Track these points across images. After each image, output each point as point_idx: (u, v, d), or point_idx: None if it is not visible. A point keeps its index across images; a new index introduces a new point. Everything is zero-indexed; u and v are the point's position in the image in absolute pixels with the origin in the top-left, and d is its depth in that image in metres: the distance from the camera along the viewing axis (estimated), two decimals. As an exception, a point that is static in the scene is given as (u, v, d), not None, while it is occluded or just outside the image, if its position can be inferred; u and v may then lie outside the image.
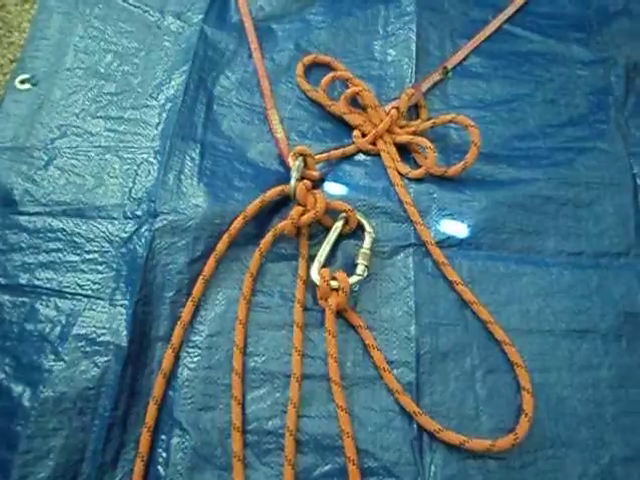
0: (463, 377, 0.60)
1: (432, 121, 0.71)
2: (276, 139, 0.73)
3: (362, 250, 0.64)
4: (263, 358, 0.60)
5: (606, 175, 0.71)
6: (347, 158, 0.73)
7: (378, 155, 0.72)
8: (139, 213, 0.67)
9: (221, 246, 0.63)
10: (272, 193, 0.65)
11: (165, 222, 0.65)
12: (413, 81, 0.78)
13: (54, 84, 0.79)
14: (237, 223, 0.63)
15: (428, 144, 0.69)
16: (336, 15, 0.85)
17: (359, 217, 0.66)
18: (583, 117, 0.76)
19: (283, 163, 0.71)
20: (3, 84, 0.77)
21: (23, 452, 0.54)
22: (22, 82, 0.77)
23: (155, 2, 0.86)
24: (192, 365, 0.60)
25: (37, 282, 0.63)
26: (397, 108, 0.72)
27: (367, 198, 0.69)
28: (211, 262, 0.63)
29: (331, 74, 0.75)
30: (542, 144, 0.74)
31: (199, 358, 0.60)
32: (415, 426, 0.57)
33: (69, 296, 0.62)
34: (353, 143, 0.72)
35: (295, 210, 0.64)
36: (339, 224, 0.66)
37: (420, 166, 0.71)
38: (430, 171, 0.70)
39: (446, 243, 0.67)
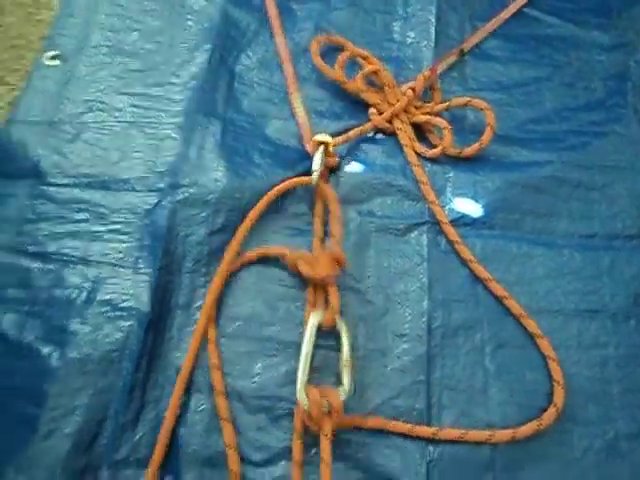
0: (474, 351, 0.62)
1: (447, 103, 0.73)
2: (298, 122, 0.75)
3: (343, 361, 0.57)
4: (278, 328, 0.63)
5: (621, 159, 0.72)
6: (365, 138, 0.74)
7: (394, 134, 0.73)
8: (161, 186, 0.69)
9: (240, 235, 0.65)
10: (291, 184, 0.67)
11: (186, 194, 0.67)
12: (431, 63, 0.79)
13: (80, 61, 0.81)
14: (255, 211, 0.65)
15: (445, 124, 0.70)
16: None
17: (337, 320, 0.60)
18: (600, 101, 0.76)
19: (302, 141, 0.73)
20: (32, 60, 0.79)
21: (50, 409, 0.57)
22: (51, 58, 0.79)
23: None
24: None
25: (64, 250, 0.66)
26: (413, 89, 0.73)
27: (383, 176, 0.70)
28: (232, 249, 0.64)
29: (348, 51, 0.76)
30: (558, 127, 0.74)
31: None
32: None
33: (94, 264, 0.65)
34: (370, 121, 0.74)
35: None
36: (314, 321, 0.58)
37: (436, 146, 0.72)
38: (446, 151, 0.71)
39: (460, 222, 0.68)
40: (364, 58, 0.76)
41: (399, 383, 0.60)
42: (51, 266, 0.65)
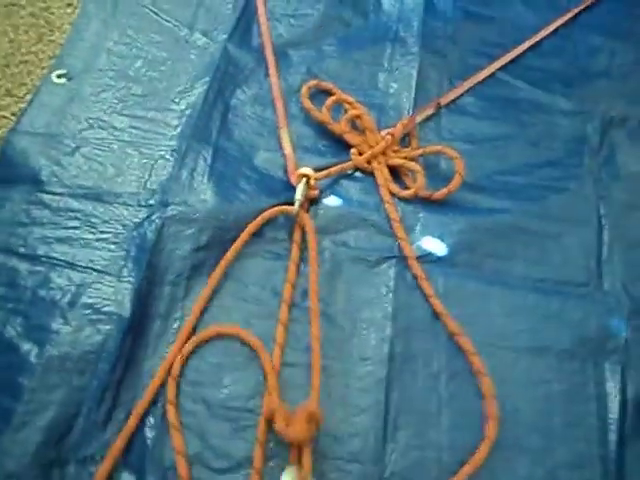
0: (429, 378, 0.66)
1: (422, 150, 0.80)
2: (284, 154, 0.81)
3: None
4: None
5: (574, 213, 0.79)
6: (344, 175, 0.81)
7: (372, 174, 0.80)
8: (152, 202, 0.74)
9: (224, 262, 0.69)
10: (274, 212, 0.73)
11: (175, 212, 0.72)
12: (411, 112, 0.87)
13: (86, 81, 0.87)
14: (241, 239, 0.70)
15: (418, 169, 0.77)
16: (347, 47, 0.94)
17: None
18: (559, 160, 0.84)
19: (286, 172, 0.79)
20: (41, 77, 0.85)
21: (25, 402, 0.60)
22: (58, 77, 0.85)
23: (185, 19, 0.95)
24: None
25: (53, 254, 0.70)
26: (392, 134, 0.80)
27: (359, 211, 0.76)
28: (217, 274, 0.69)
29: (335, 96, 0.83)
30: (520, 180, 0.81)
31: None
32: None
33: (80, 269, 0.69)
34: (350, 160, 0.80)
35: None
36: None
37: (409, 188, 0.78)
38: (418, 193, 0.77)
39: (426, 259, 0.74)
40: (349, 103, 0.84)
41: (360, 402, 0.64)
42: (39, 268, 0.69)
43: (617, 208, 0.80)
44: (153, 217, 0.72)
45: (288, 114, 0.86)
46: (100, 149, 0.80)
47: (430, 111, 0.86)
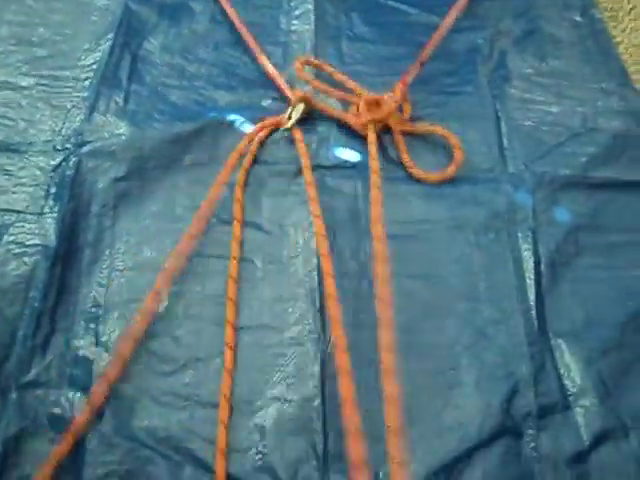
0: (355, 264, 0.70)
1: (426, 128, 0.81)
2: (273, 78, 0.84)
3: None
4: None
5: (474, 111, 0.85)
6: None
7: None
8: (68, 146, 0.75)
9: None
10: (268, 124, 0.77)
11: (91, 148, 0.74)
12: (313, 46, 0.91)
13: (-12, 50, 0.87)
14: (247, 160, 0.74)
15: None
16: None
17: None
18: (456, 70, 0.90)
19: (202, 105, 0.82)
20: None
21: (-44, 336, 0.59)
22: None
23: (85, -16, 0.97)
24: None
25: (-29, 202, 0.70)
26: (395, 100, 0.79)
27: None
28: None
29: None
30: (422, 89, 0.87)
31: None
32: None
33: (0, 212, 0.69)
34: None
35: None
36: None
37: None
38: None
39: (344, 165, 0.78)
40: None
41: (294, 290, 0.67)
42: (-44, 219, 0.68)
43: (510, 103, 0.86)
44: (70, 157, 0.73)
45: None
46: (9, 107, 0.80)
47: (415, 70, 0.86)
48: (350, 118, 0.79)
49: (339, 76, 0.82)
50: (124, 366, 0.59)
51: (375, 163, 0.72)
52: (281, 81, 0.83)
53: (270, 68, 0.85)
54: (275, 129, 0.79)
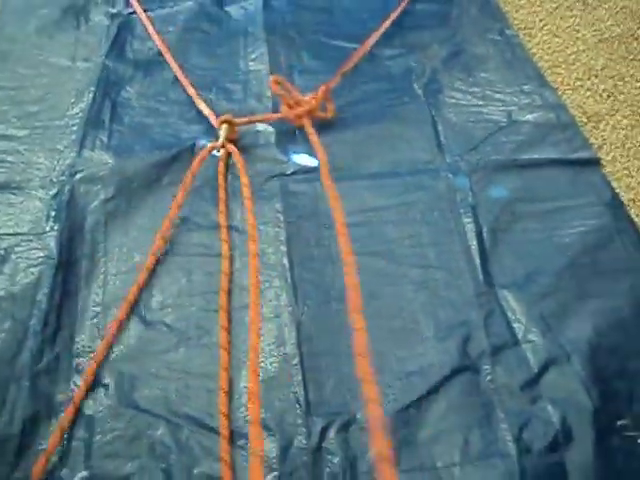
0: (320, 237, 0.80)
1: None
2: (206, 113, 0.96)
3: None
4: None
5: (412, 116, 0.98)
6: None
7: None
8: (62, 178, 0.87)
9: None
10: (207, 150, 0.87)
11: (82, 175, 0.85)
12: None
13: (-14, 110, 1.00)
14: (187, 180, 0.83)
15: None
16: (210, 47, 1.13)
17: None
18: (394, 88, 1.05)
19: (175, 136, 0.94)
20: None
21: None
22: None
23: (68, 53, 1.11)
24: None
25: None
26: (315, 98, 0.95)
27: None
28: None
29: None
30: (368, 107, 1.01)
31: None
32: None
33: (6, 237, 0.80)
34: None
35: None
36: None
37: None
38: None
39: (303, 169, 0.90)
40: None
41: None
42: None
43: (444, 108, 1.00)
44: (65, 186, 0.85)
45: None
46: (8, 154, 0.92)
47: (337, 80, 1.02)
48: (286, 112, 0.94)
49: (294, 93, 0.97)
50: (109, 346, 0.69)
51: (321, 153, 0.84)
52: (209, 112, 0.95)
53: (203, 106, 0.97)
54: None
